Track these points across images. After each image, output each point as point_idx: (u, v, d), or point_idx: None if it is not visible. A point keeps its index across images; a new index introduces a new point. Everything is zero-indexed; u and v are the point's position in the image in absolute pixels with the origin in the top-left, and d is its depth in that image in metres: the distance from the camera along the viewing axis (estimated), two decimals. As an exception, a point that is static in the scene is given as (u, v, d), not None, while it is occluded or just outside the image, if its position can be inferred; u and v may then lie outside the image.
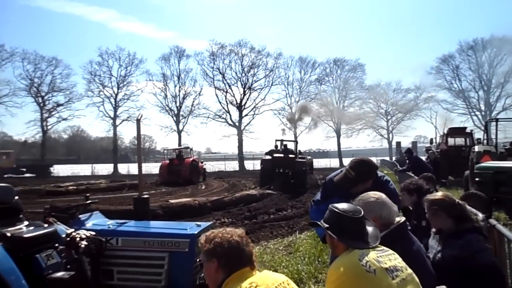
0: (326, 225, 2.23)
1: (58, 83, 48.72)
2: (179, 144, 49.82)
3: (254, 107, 52.27)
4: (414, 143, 42.36)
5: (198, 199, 13.15)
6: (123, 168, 48.98)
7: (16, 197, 4.29)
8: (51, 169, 42.40)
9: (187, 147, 31.45)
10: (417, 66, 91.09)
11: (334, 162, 50.99)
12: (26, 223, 4.17)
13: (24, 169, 39.31)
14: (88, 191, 19.55)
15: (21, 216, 4.24)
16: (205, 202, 12.64)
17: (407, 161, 13.56)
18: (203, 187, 23.16)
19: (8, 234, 3.58)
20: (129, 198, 16.93)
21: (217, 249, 1.97)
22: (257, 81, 52.31)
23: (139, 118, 3.77)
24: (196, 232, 3.32)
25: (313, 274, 5.46)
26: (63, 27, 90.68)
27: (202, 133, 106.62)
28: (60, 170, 45.99)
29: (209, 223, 3.72)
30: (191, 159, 26.58)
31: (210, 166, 49.11)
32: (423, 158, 16.54)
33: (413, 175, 9.92)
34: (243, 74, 51.54)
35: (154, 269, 3.30)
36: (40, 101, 47.78)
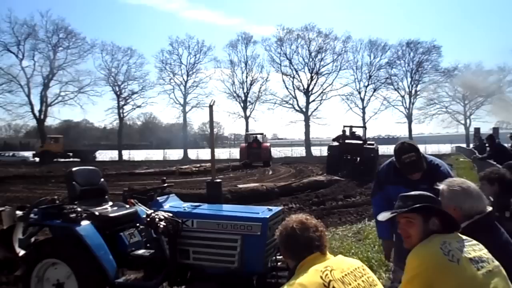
0: (405, 209, 2.13)
1: (132, 72, 51.43)
2: (247, 130, 50.63)
3: (322, 92, 51.61)
4: (496, 129, 39.27)
5: (266, 184, 13.34)
6: (192, 154, 50.83)
7: (102, 180, 4.64)
8: (96, 154, 44.39)
9: (262, 133, 34.86)
10: (501, 47, 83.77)
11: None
12: (110, 203, 4.51)
13: (71, 154, 41.22)
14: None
15: (106, 197, 4.59)
16: (273, 187, 12.78)
17: (488, 148, 12.66)
18: (270, 173, 23.40)
19: (97, 213, 3.89)
20: (199, 183, 17.61)
21: (279, 237, 2.07)
22: (325, 66, 51.53)
23: (211, 104, 3.88)
24: (268, 216, 3.38)
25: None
26: (137, 18, 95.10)
27: (269, 119, 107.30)
28: (134, 155, 48.75)
29: (279, 208, 3.77)
30: (268, 144, 30.94)
31: (277, 152, 49.46)
32: (507, 145, 15.35)
33: (494, 163, 9.26)
34: (310, 59, 50.95)
35: (227, 250, 3.42)
36: (117, 89, 50.75)
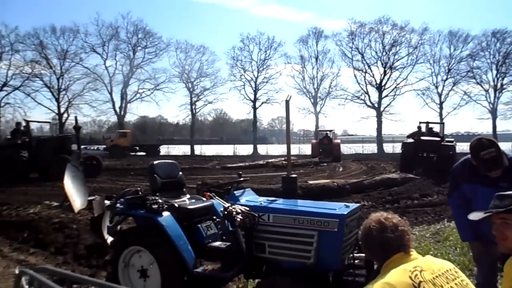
0: (502, 209, 1.96)
1: (205, 69, 52.76)
2: (317, 126, 50.10)
3: (395, 87, 49.40)
4: None
5: (337, 181, 13.12)
6: (262, 149, 51.38)
7: (180, 173, 4.84)
8: (160, 148, 45.26)
9: (332, 130, 35.54)
10: None
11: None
12: (188, 196, 4.70)
13: (137, 148, 42.55)
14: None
15: (184, 189, 4.79)
16: (344, 184, 12.55)
17: None
18: (341, 169, 23.00)
19: (176, 205, 4.07)
20: (268, 178, 17.77)
21: (360, 237, 2.06)
22: (399, 59, 49.12)
23: (288, 99, 3.88)
24: (345, 213, 3.32)
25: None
26: (209, 17, 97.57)
27: (339, 115, 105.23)
28: (205, 150, 50.34)
29: (357, 205, 3.69)
30: (338, 140, 32.02)
31: (347, 149, 48.47)
32: None
33: None
34: (384, 53, 48.90)
35: (303, 246, 3.41)
36: (190, 86, 52.47)
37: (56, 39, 48.68)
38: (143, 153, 41.29)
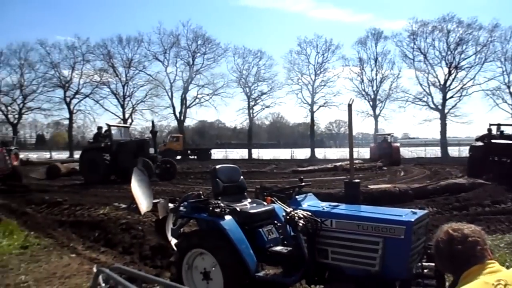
0: None
1: (262, 74, 53.24)
2: (376, 129, 48.84)
3: (461, 88, 46.88)
4: None
5: (399, 186, 12.64)
6: (319, 153, 50.83)
7: (241, 177, 4.89)
8: (211, 152, 45.71)
9: (391, 133, 35.88)
10: None
11: None
12: (249, 200, 4.73)
13: (189, 152, 43.14)
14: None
15: (245, 193, 4.84)
16: (406, 189, 12.05)
17: None
18: (402, 174, 22.19)
19: (238, 209, 4.11)
20: (327, 182, 17.52)
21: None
22: (466, 58, 46.55)
23: (350, 103, 3.80)
24: (412, 220, 3.19)
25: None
26: (266, 21, 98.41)
27: (400, 117, 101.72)
28: (263, 153, 50.64)
29: (424, 212, 3.52)
30: (398, 144, 31.93)
31: (409, 152, 46.66)
32: None
33: None
34: (449, 52, 46.56)
35: (368, 253, 3.31)
36: (247, 91, 53.14)
37: (122, 49, 51.63)
38: (195, 157, 42.07)
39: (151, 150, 18.21)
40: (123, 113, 52.21)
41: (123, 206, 9.06)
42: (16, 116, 50.69)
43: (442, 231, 1.94)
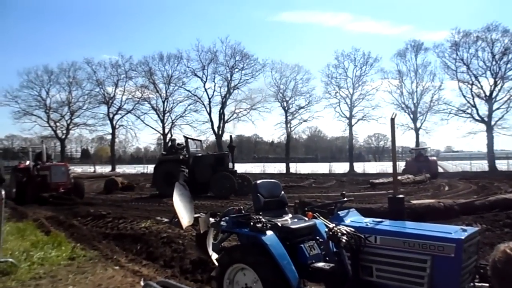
0: None
1: (299, 88, 53.22)
2: (417, 143, 47.48)
3: (508, 99, 44.92)
4: None
5: (443, 201, 12.16)
6: (358, 167, 49.90)
7: (282, 192, 4.87)
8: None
9: (427, 147, 36.23)
10: None
11: None
12: (290, 215, 4.70)
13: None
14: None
15: (286, 208, 4.81)
16: (452, 204, 11.56)
17: None
18: (446, 188, 21.37)
19: (279, 224, 4.09)
20: (367, 196, 17.13)
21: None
22: (512, 68, 44.81)
23: (393, 117, 3.73)
24: (463, 237, 3.05)
25: None
26: (303, 36, 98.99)
27: (442, 130, 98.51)
28: (300, 168, 50.27)
29: (476, 229, 3.38)
30: (435, 157, 31.60)
31: (453, 166, 44.99)
32: None
33: None
34: (494, 62, 44.83)
35: (415, 271, 3.19)
36: (285, 105, 53.20)
37: (163, 65, 53.30)
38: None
39: (230, 165, 18.30)
40: (163, 128, 53.60)
41: (165, 220, 9.22)
42: (64, 131, 53.19)
43: (499, 251, 1.85)
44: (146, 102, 53.82)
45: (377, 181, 23.37)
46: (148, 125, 54.12)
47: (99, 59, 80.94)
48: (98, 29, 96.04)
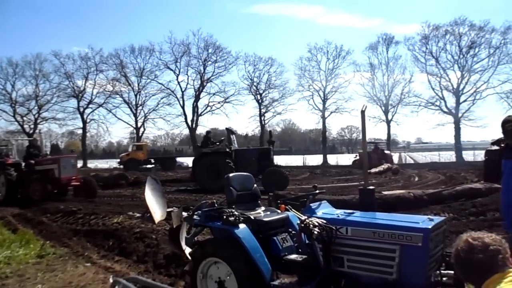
0: None
1: (273, 81, 53.48)
2: (388, 134, 48.60)
3: (475, 91, 46.46)
4: None
5: (413, 192, 12.48)
6: (331, 159, 50.57)
7: (255, 185, 4.88)
8: (176, 160, 43.29)
9: (381, 141, 37.02)
10: None
11: None
12: (263, 208, 4.71)
13: (153, 161, 40.48)
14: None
15: (259, 201, 4.82)
16: (421, 194, 11.89)
17: None
18: (416, 179, 21.94)
19: (252, 217, 4.10)
20: (340, 188, 17.40)
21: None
22: (479, 62, 46.31)
23: (363, 109, 3.78)
24: (429, 227, 3.13)
25: None
26: (276, 28, 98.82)
27: (412, 122, 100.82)
28: (275, 160, 50.39)
29: (442, 218, 3.47)
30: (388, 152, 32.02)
31: (422, 157, 46.19)
32: None
33: None
34: (461, 56, 46.31)
35: (385, 260, 3.26)
36: (259, 98, 53.34)
37: (135, 58, 52.46)
38: (159, 166, 39.05)
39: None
40: (136, 121, 52.87)
41: (137, 215, 9.10)
42: (32, 126, 51.58)
43: (462, 240, 1.91)
44: (118, 96, 52.99)
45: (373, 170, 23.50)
46: (120, 119, 53.31)
47: (68, 51, 78.62)
48: (65, 20, 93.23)
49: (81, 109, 52.34)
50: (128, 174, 23.38)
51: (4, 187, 14.67)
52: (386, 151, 31.78)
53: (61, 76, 51.91)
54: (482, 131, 53.04)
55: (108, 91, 52.36)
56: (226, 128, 19.93)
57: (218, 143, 18.67)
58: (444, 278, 3.19)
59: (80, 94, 52.24)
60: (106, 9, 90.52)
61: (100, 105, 52.65)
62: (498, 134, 17.80)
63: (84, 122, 52.75)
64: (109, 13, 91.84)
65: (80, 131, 54.90)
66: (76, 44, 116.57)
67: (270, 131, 20.06)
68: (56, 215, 10.78)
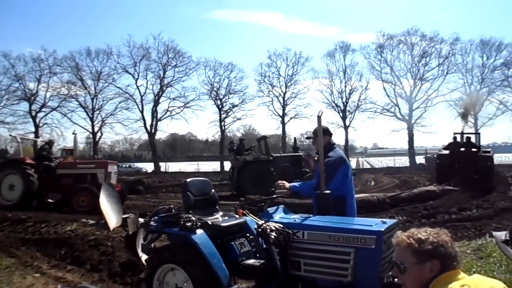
0: None
1: (233, 86, 53.30)
2: (346, 140, 49.77)
3: (426, 99, 48.51)
4: None
5: (376, 195, 12.99)
6: (291, 164, 51.07)
7: (213, 190, 4.84)
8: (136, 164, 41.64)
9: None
10: None
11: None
12: (221, 213, 4.68)
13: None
14: None
15: (217, 207, 4.78)
16: (384, 197, 12.41)
17: None
18: (372, 183, 22.58)
19: (210, 223, 4.06)
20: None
21: (436, 251, 1.87)
22: (430, 71, 48.40)
23: (319, 115, 3.84)
24: (382, 229, 3.22)
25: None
26: (237, 34, 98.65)
27: (369, 128, 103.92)
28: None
29: (394, 221, 3.58)
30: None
31: (378, 162, 47.61)
32: None
33: None
34: (414, 65, 48.29)
35: (340, 263, 3.32)
36: (219, 103, 53.06)
37: (91, 61, 50.64)
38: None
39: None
40: (92, 126, 51.08)
41: (91, 222, 8.78)
42: (-23, 130, 48.69)
43: (442, 234, 1.91)
44: (73, 99, 50.86)
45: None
46: (76, 123, 51.24)
47: (19, 52, 75.08)
48: (18, 20, 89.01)
49: (33, 113, 50.03)
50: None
51: (22, 190, 12.57)
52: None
53: (11, 78, 49.42)
54: (433, 137, 55.42)
55: (63, 95, 50.24)
56: (263, 136, 20.08)
57: (249, 151, 18.98)
58: (395, 279, 3.28)
59: (32, 97, 49.87)
60: (60, 9, 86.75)
61: (54, 109, 50.47)
62: (448, 139, 18.69)
63: (37, 126, 50.41)
64: (64, 13, 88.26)
65: (32, 136, 52.46)
66: (28, 45, 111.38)
67: (294, 138, 20.31)
68: (4, 223, 10.21)
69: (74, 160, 14.14)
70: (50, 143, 14.87)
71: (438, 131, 55.85)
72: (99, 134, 51.22)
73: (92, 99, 50.96)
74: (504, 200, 12.56)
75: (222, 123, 53.71)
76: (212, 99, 53.04)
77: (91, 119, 50.98)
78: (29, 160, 13.25)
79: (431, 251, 1.85)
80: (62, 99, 50.24)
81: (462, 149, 17.68)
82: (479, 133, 21.59)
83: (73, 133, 18.90)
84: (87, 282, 5.34)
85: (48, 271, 6.12)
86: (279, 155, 20.17)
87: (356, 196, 5.07)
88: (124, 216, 5.61)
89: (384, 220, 3.50)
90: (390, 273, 3.30)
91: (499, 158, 20.64)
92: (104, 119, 51.60)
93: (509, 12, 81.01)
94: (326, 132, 4.56)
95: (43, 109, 50.25)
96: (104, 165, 13.28)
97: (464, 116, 32.12)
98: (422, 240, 1.88)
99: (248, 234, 4.29)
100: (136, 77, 51.45)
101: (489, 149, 19.39)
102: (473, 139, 19.66)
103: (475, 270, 5.36)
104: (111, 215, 5.64)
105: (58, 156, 15.79)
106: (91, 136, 51.86)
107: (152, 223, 4.34)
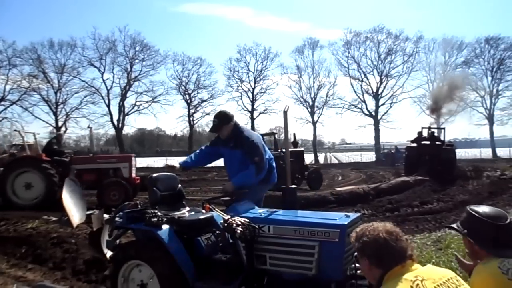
0: (464, 231, 2.06)
1: (202, 81, 53.03)
2: (315, 135, 50.27)
3: (392, 95, 49.83)
4: None
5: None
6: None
7: (179, 186, 4.81)
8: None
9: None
10: None
11: (485, 152, 45.71)
12: (187, 208, 4.65)
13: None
14: None
15: (183, 202, 4.75)
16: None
17: None
18: (340, 178, 22.98)
19: (176, 218, 4.03)
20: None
21: (365, 248, 1.98)
22: (395, 68, 49.81)
23: (286, 110, 3.88)
24: (346, 223, 3.30)
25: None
26: (206, 28, 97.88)
27: (337, 124, 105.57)
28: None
29: (358, 214, 3.66)
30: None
31: (346, 157, 48.48)
32: None
33: None
34: (380, 62, 49.50)
35: (305, 257, 3.37)
36: (187, 98, 52.65)
37: (54, 54, 48.94)
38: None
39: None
40: (56, 121, 49.43)
41: (54, 219, 8.53)
42: None
43: (380, 231, 1.98)
44: (35, 93, 49.06)
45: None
46: (38, 118, 49.47)
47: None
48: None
49: (-9, 107, 47.95)
50: None
51: (43, 189, 11.98)
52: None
53: (-35, 70, 47.11)
54: (399, 132, 57.00)
55: (24, 88, 48.33)
56: (272, 132, 20.58)
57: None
58: (358, 271, 3.36)
59: (-10, 90, 47.81)
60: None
61: (13, 103, 48.51)
62: (413, 135, 19.52)
63: (-4, 121, 48.41)
64: (23, 3, 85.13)
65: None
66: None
67: (294, 133, 20.26)
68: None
69: (93, 155, 13.63)
70: (59, 137, 14.49)
71: (402, 127, 57.50)
72: (63, 128, 49.61)
73: (56, 93, 49.33)
74: (463, 194, 13.14)
75: (191, 118, 53.46)
76: (181, 94, 52.65)
77: (55, 113, 49.38)
78: (45, 156, 12.54)
79: (361, 249, 1.96)
80: (23, 93, 48.28)
81: (427, 142, 18.60)
82: (443, 128, 22.35)
83: (88, 127, 18.27)
84: (48, 281, 5.20)
85: (7, 271, 5.91)
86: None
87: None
88: (88, 212, 5.49)
89: (347, 214, 3.59)
90: (353, 265, 3.40)
91: (459, 153, 21.48)
92: (69, 113, 50.12)
93: (470, 12, 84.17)
94: (225, 120, 4.86)
95: (2, 103, 48.11)
96: (128, 159, 13.05)
97: (434, 110, 33.06)
98: (358, 237, 1.99)
99: (214, 229, 4.28)
100: (102, 70, 50.29)
101: (451, 143, 20.30)
102: (436, 134, 20.53)
103: (434, 261, 5.56)
104: (74, 212, 5.50)
105: (69, 151, 15.31)
106: (54, 130, 50.25)
107: (117, 219, 4.27)
